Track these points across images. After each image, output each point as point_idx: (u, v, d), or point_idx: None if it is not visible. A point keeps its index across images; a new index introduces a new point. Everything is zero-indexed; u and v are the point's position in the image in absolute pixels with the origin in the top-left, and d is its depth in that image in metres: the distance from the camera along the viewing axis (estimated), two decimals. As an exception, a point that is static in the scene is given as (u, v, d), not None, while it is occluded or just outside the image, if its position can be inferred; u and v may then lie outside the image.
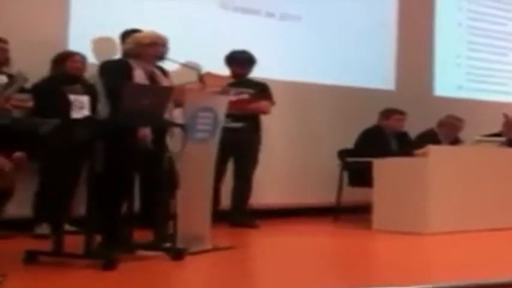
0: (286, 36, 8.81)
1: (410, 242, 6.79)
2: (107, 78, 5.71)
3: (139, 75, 5.66)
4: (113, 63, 5.94)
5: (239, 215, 7.59)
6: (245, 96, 7.45)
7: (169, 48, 6.00)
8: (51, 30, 7.07)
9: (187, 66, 6.14)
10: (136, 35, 5.92)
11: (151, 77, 5.80)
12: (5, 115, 4.92)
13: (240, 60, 7.65)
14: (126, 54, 5.89)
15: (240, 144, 7.37)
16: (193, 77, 6.02)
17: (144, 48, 5.75)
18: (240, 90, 7.38)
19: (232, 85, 7.11)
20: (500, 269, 5.25)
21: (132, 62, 5.71)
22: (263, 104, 7.60)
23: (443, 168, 7.45)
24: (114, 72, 5.66)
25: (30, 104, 6.22)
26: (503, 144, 8.59)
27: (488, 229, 7.35)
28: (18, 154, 4.89)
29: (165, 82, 5.86)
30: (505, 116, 9.36)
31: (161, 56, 5.88)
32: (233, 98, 7.06)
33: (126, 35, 6.51)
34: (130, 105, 5.01)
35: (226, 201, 7.59)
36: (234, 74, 7.57)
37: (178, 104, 5.78)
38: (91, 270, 4.77)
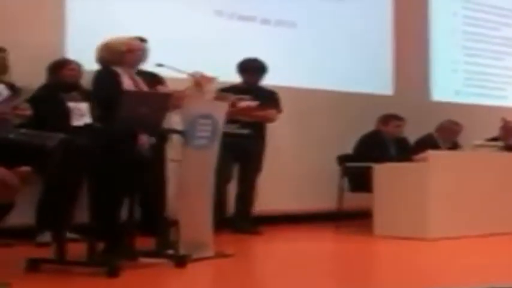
0: (282, 43, 8.80)
1: (412, 248, 6.78)
2: (99, 87, 5.63)
3: (127, 83, 5.60)
4: (103, 73, 5.79)
5: (242, 221, 7.58)
6: (254, 103, 7.46)
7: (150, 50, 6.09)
8: (48, 37, 7.05)
9: (182, 71, 6.12)
10: (111, 42, 5.77)
11: (135, 84, 5.75)
12: (10, 129, 4.89)
13: (252, 68, 7.76)
14: (106, 61, 5.70)
15: (246, 150, 7.43)
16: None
17: (123, 55, 5.67)
18: (240, 96, 7.38)
19: (243, 92, 7.35)
20: (502, 274, 5.24)
21: (118, 69, 5.63)
22: (270, 112, 7.65)
23: (443, 173, 7.42)
24: (106, 81, 5.57)
25: (28, 112, 6.18)
26: (502, 148, 8.58)
27: (489, 234, 7.32)
28: (24, 168, 4.88)
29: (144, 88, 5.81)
30: (503, 120, 9.38)
31: (141, 61, 5.86)
32: (243, 104, 7.28)
33: None
34: (129, 113, 4.99)
35: (230, 207, 7.57)
36: (246, 82, 7.75)
37: (175, 107, 5.73)
38: (94, 277, 4.75)
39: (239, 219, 7.61)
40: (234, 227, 7.51)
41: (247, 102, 7.37)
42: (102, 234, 5.22)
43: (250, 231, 7.47)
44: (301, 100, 8.78)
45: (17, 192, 5.05)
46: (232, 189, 7.61)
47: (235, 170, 7.70)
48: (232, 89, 7.39)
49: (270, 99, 7.73)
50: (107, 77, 5.57)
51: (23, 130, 4.90)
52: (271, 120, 7.75)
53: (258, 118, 7.54)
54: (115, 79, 5.52)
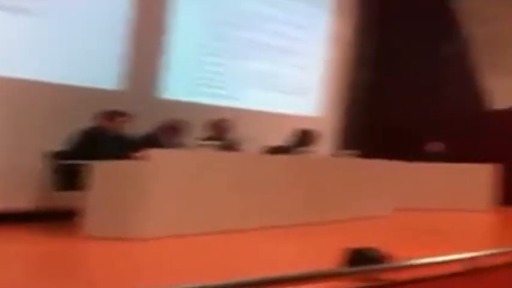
0: (5, 30, 8.29)
1: (123, 248, 6.64)
2: None
3: None
4: None
5: None
6: None
7: None
8: None
9: None
10: None
11: None
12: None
13: None
14: None
15: None
16: None
17: None
18: None
19: None
20: (219, 272, 5.33)
21: None
22: None
23: (165, 171, 7.39)
24: None
25: None
26: (220, 147, 8.57)
27: (212, 232, 7.40)
28: None
29: None
30: (223, 120, 9.45)
31: None
32: None
33: None
34: None
35: None
36: None
37: None
38: None
39: None
40: None
41: None
42: None
43: None
44: (12, 92, 8.31)
45: None
46: None
47: None
48: None
49: None
50: None
51: None
52: None
53: None
54: None
